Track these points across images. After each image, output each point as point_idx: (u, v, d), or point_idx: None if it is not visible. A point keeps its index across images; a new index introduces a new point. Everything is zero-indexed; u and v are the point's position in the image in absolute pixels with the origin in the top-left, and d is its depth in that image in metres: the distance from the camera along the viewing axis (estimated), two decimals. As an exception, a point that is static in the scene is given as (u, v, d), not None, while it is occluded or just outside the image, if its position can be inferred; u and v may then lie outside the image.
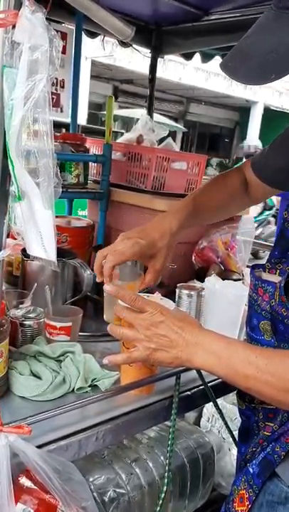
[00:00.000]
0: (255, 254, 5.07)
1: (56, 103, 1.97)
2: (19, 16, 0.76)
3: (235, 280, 1.88)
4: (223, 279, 1.81)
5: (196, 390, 1.19)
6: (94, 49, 10.60)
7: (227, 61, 0.89)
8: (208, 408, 1.83)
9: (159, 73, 2.71)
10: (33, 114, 0.79)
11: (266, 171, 1.25)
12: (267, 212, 7.63)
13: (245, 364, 0.86)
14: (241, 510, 0.95)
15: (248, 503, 0.94)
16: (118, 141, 2.27)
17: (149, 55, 2.60)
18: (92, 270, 1.51)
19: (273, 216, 7.54)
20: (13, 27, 0.76)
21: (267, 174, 1.25)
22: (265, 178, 1.25)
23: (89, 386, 1.10)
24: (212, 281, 1.24)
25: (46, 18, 0.78)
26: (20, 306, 1.26)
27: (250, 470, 0.96)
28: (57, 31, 0.81)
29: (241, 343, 1.05)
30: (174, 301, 1.20)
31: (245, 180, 1.30)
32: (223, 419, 1.25)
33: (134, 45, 2.60)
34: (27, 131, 0.80)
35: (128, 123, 14.20)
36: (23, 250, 1.45)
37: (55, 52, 0.80)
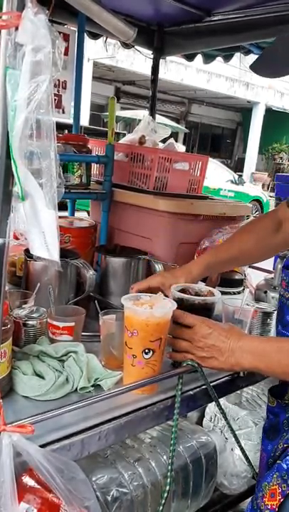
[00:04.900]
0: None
1: (58, 104, 1.98)
2: (22, 17, 0.76)
3: (237, 280, 1.88)
4: (226, 279, 1.82)
5: (198, 389, 1.20)
6: (96, 50, 10.67)
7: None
8: (211, 408, 1.83)
9: (161, 74, 2.71)
10: (35, 116, 0.79)
11: None
12: None
13: (277, 351, 1.02)
14: (272, 504, 1.00)
15: (280, 497, 0.99)
16: (120, 142, 2.28)
17: (151, 56, 2.61)
18: (95, 270, 1.53)
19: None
20: (16, 29, 0.77)
21: None
22: None
23: (92, 386, 1.10)
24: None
25: (48, 20, 0.79)
26: (24, 306, 1.27)
27: (284, 466, 1.02)
28: (59, 33, 0.81)
29: (274, 338, 1.24)
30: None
31: (278, 221, 1.42)
32: (226, 418, 1.25)
33: (136, 47, 2.61)
34: (30, 132, 0.80)
35: (130, 124, 14.22)
36: (26, 250, 1.46)
37: (57, 54, 0.80)
